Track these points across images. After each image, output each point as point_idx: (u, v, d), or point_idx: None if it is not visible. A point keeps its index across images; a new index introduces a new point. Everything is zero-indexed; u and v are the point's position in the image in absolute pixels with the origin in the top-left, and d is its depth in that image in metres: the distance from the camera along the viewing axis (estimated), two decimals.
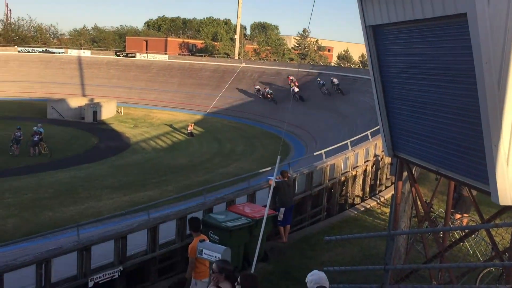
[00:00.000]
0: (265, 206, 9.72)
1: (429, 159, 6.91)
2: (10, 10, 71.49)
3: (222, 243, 8.22)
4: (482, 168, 5.54)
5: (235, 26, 61.97)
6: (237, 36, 58.96)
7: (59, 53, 54.69)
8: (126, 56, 55.67)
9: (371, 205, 14.65)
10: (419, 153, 7.17)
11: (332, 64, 68.97)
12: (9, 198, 18.11)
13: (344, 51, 76.53)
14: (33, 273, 7.91)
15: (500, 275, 7.99)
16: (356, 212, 13.98)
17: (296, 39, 73.14)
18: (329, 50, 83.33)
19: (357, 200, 14.86)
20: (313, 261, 10.16)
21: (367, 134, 16.60)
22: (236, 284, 4.43)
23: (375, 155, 15.75)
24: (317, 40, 73.93)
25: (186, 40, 74.87)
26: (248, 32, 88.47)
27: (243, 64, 50.95)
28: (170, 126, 37.46)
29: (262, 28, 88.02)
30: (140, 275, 9.56)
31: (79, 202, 18.02)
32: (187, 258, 7.70)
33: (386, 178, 16.39)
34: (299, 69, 46.63)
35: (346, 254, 10.35)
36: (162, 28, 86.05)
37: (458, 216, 11.07)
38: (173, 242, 9.90)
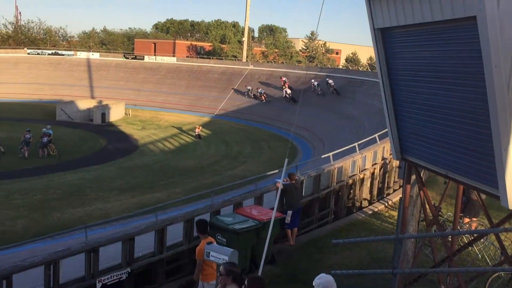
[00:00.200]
0: (272, 209, 9.71)
1: (437, 162, 6.87)
2: (20, 12, 72.42)
3: (229, 246, 8.23)
4: (491, 171, 5.50)
5: (243, 28, 62.13)
6: (245, 39, 59.08)
7: (68, 55, 55.08)
8: (135, 58, 55.95)
9: (379, 208, 14.59)
10: (428, 156, 7.13)
11: (340, 66, 68.81)
12: (19, 199, 18.25)
13: (352, 53, 76.41)
14: (42, 274, 7.96)
15: (509, 280, 7.92)
16: (363, 215, 13.92)
17: (304, 42, 73.12)
18: (337, 53, 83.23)
19: (365, 203, 14.80)
20: (321, 264, 10.13)
21: (375, 137, 16.54)
22: (243, 286, 4.43)
23: (383, 158, 15.68)
24: (325, 43, 73.88)
25: (194, 43, 75.14)
26: (256, 34, 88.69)
27: (251, 67, 51.00)
28: (178, 128, 37.56)
29: (270, 31, 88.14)
30: (147, 276, 9.59)
31: (87, 204, 18.12)
32: (194, 260, 7.71)
33: (394, 181, 16.31)
34: (307, 72, 46.60)
35: (353, 257, 10.31)
36: (171, 30, 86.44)
37: (466, 220, 10.99)
38: (180, 244, 9.92)
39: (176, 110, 44.55)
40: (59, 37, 72.37)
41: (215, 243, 7.57)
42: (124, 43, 78.03)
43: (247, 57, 58.89)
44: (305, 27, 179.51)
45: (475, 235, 7.96)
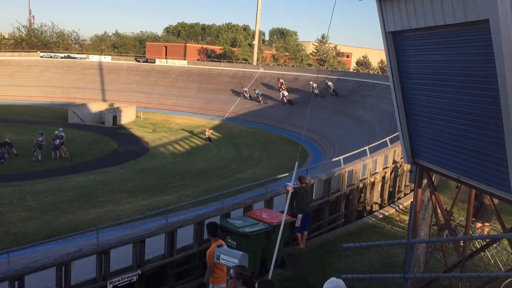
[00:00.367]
0: (282, 212, 9.69)
1: (449, 166, 6.82)
2: (33, 16, 73.28)
3: (239, 249, 8.22)
4: (504, 176, 5.45)
5: (254, 32, 62.25)
6: (255, 42, 59.20)
7: (80, 58, 55.60)
8: (146, 61, 56.31)
9: (390, 212, 14.50)
10: (439, 160, 7.09)
11: (351, 70, 68.65)
12: (31, 201, 18.43)
13: (362, 57, 76.19)
14: (53, 276, 8.02)
15: None
16: (374, 219, 13.85)
17: (315, 45, 73.05)
18: (347, 56, 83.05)
19: (376, 207, 14.72)
20: (331, 268, 10.10)
21: (386, 140, 16.46)
22: None
23: (394, 162, 15.60)
24: (336, 46, 73.73)
25: (205, 46, 75.43)
26: (267, 38, 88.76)
27: (261, 70, 51.07)
28: (188, 131, 37.70)
29: (280, 34, 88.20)
30: (158, 279, 9.62)
31: (98, 206, 18.24)
32: (205, 263, 7.73)
33: (405, 185, 16.21)
34: (318, 75, 46.57)
35: (364, 261, 10.25)
36: (182, 34, 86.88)
37: (479, 225, 10.89)
38: (190, 247, 9.94)
39: (187, 113, 44.73)
40: (71, 40, 73.11)
41: (226, 246, 7.57)
42: (135, 46, 78.57)
43: (257, 60, 58.98)
44: (316, 30, 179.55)
45: (488, 240, 7.89)
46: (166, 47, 71.33)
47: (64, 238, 11.70)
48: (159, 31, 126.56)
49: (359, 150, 15.84)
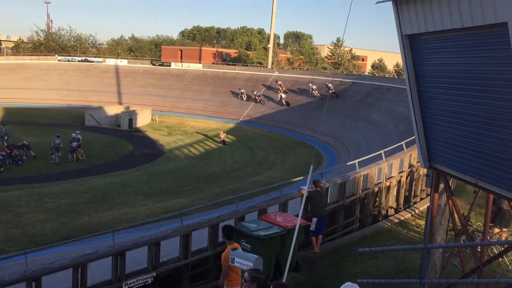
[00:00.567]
0: (297, 216, 9.68)
1: (467, 171, 6.74)
2: (51, 20, 74.20)
3: (254, 252, 8.23)
4: None
5: (269, 35, 62.35)
6: (270, 46, 59.26)
7: (97, 62, 56.23)
8: (162, 65, 56.71)
9: (405, 217, 14.37)
10: (457, 164, 7.01)
11: (366, 73, 68.28)
12: (48, 203, 18.66)
13: (378, 60, 75.75)
14: (70, 277, 8.11)
15: None
16: (389, 224, 13.74)
17: (330, 48, 72.86)
18: (363, 59, 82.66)
19: (391, 211, 14.61)
20: (345, 273, 10.04)
21: (401, 144, 16.33)
22: None
23: (410, 166, 15.46)
24: (351, 49, 73.45)
25: (220, 50, 75.76)
26: (282, 41, 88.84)
27: (276, 73, 51.09)
28: (203, 134, 37.86)
29: (295, 38, 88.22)
30: (172, 281, 9.67)
31: (114, 208, 18.40)
32: (219, 266, 7.74)
33: (421, 190, 16.05)
34: (333, 78, 46.44)
35: (379, 266, 10.17)
36: (197, 37, 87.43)
37: (496, 230, 10.73)
38: (205, 250, 9.97)
39: (202, 116, 44.92)
40: (88, 44, 73.93)
41: (240, 249, 7.58)
42: (151, 50, 79.24)
43: (272, 63, 59.02)
44: (331, 33, 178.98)
45: (506, 245, 7.77)
46: (181, 50, 71.81)
47: (80, 240, 11.84)
48: (174, 34, 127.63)
49: (374, 154, 15.74)
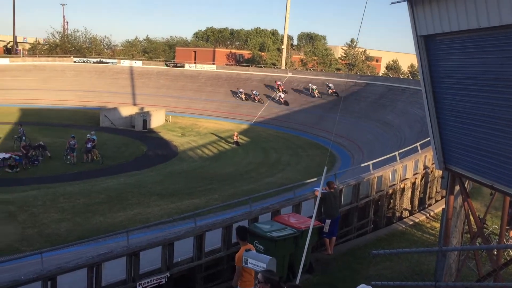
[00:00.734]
0: (310, 217, 9.65)
1: (483, 173, 6.66)
2: (67, 22, 75.17)
3: (267, 253, 8.22)
4: None
5: (282, 36, 62.34)
6: (284, 47, 59.24)
7: (112, 63, 56.75)
8: (176, 66, 57.01)
9: (420, 219, 14.25)
10: (473, 166, 6.93)
11: (380, 74, 67.88)
12: (63, 203, 18.87)
13: (392, 61, 75.28)
14: (84, 276, 8.19)
15: None
16: (404, 226, 13.63)
17: (344, 49, 72.58)
18: (377, 60, 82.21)
19: (405, 213, 14.49)
20: (359, 275, 9.98)
21: (416, 146, 16.19)
22: None
23: (425, 168, 15.32)
24: (365, 50, 73.07)
25: (233, 51, 75.92)
26: (295, 42, 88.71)
27: (290, 74, 51.05)
28: (217, 135, 37.96)
29: (309, 39, 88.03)
30: (186, 281, 9.70)
31: (128, 208, 18.54)
32: (233, 267, 7.75)
33: (436, 192, 15.90)
34: (347, 80, 46.25)
35: (394, 268, 10.09)
36: (210, 39, 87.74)
37: None
38: (218, 250, 9.99)
39: (215, 117, 45.05)
40: (103, 45, 74.70)
41: (254, 250, 7.58)
42: (165, 51, 79.72)
43: (286, 64, 58.98)
44: (344, 34, 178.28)
45: None
46: (195, 52, 72.12)
47: (95, 240, 11.95)
48: (188, 36, 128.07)
49: (388, 156, 15.63)
